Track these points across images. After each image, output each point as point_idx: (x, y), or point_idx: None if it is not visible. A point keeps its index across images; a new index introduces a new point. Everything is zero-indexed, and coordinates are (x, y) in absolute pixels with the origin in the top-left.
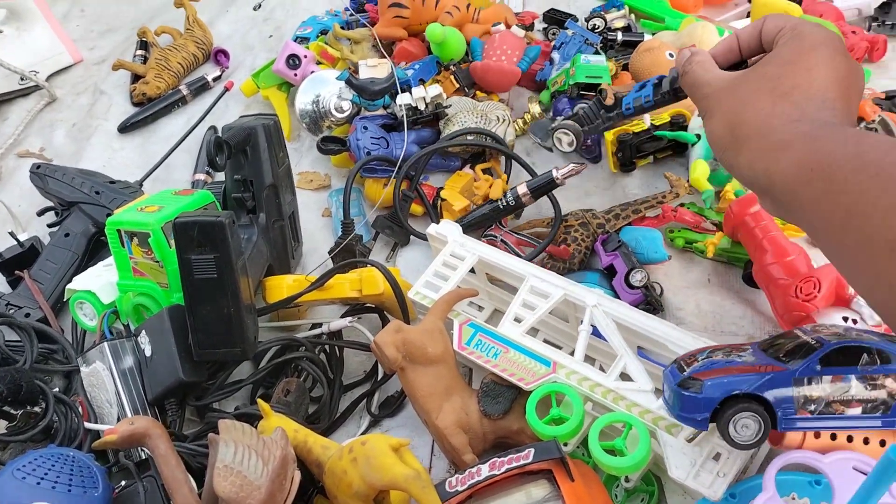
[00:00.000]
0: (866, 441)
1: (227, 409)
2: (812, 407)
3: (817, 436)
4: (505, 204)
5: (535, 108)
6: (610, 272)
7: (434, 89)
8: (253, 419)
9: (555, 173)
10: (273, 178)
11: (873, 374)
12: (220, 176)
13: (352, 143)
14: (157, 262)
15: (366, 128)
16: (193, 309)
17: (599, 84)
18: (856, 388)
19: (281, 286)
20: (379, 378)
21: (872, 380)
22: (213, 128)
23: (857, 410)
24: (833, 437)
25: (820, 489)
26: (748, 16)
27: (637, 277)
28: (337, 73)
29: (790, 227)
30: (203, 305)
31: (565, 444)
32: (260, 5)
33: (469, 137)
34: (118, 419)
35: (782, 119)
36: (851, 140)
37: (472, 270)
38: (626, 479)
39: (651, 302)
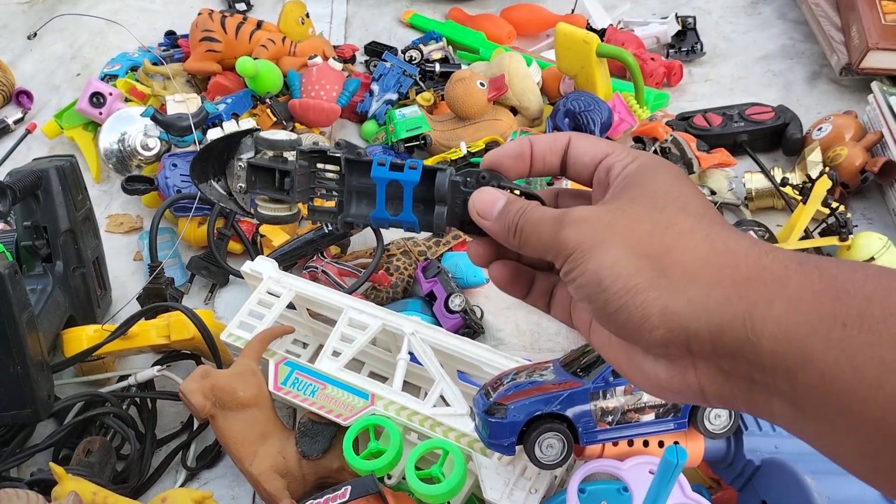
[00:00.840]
0: (661, 444)
1: (25, 475)
2: (610, 418)
3: (616, 444)
4: (329, 230)
5: None
6: (430, 298)
7: (247, 123)
8: (51, 483)
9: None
10: (70, 222)
11: None
12: None
13: (160, 182)
14: None
15: (175, 165)
16: None
17: (421, 133)
18: (647, 395)
19: (80, 338)
20: (195, 428)
21: None
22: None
23: (650, 416)
24: (630, 443)
25: (628, 495)
26: None
27: (456, 302)
28: (143, 109)
29: None
30: None
31: (388, 478)
32: (35, 34)
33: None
34: None
35: (741, 244)
36: (858, 267)
37: (293, 307)
38: None
39: (471, 325)
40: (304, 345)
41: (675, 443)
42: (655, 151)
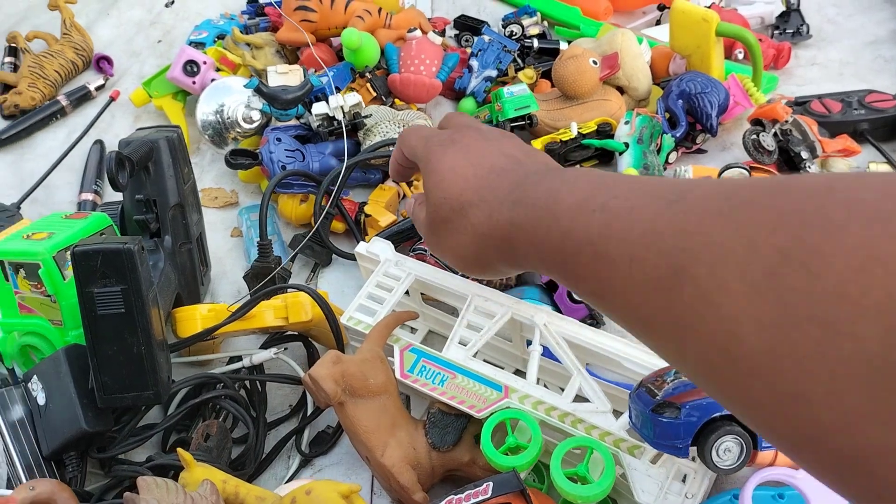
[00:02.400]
0: None
1: (137, 459)
2: None
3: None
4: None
5: None
6: (550, 286)
7: (353, 98)
8: (169, 470)
9: None
10: (179, 196)
11: None
12: (110, 195)
13: (264, 157)
14: (49, 296)
15: (279, 139)
16: (97, 349)
17: (528, 113)
18: None
19: (194, 317)
20: (308, 413)
21: None
22: (100, 142)
23: None
24: None
25: (783, 502)
26: (658, 23)
27: None
28: (242, 80)
29: None
30: (109, 344)
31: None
32: (172, 2)
33: (392, 148)
34: (8, 480)
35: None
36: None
37: (406, 291)
38: None
39: (595, 315)
40: (413, 330)
41: None
42: (776, 134)
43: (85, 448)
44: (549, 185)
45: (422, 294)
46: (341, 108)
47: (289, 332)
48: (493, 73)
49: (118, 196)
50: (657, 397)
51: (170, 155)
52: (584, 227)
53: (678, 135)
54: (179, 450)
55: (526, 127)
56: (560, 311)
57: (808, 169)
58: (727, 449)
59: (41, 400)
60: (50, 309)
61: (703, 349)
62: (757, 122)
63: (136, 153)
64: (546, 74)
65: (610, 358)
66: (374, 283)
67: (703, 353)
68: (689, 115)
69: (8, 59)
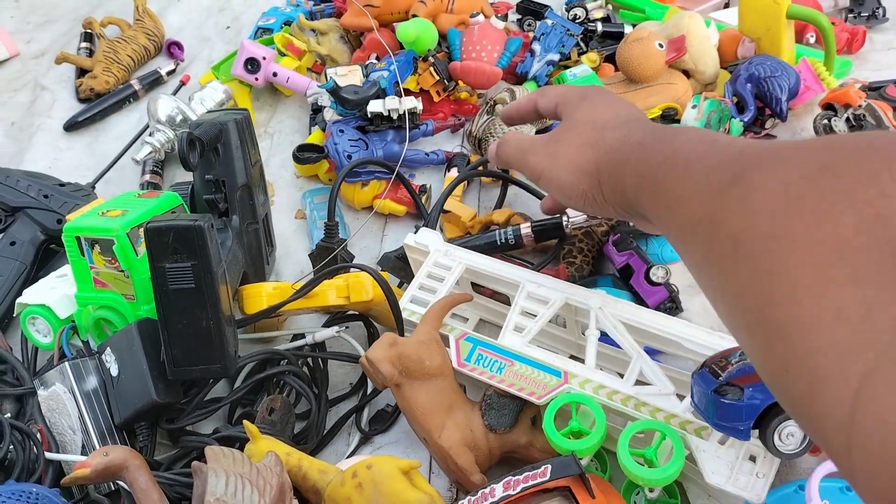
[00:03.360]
0: None
1: (205, 431)
2: None
3: None
4: (503, 241)
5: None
6: (625, 273)
7: (409, 101)
8: (235, 442)
9: (564, 221)
10: (246, 177)
11: None
12: (169, 178)
13: (330, 149)
14: (122, 271)
15: (342, 131)
16: (168, 322)
17: None
18: None
19: (260, 294)
20: (368, 392)
21: None
22: None
23: None
24: None
25: (851, 495)
26: (726, 6)
27: (659, 274)
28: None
29: None
30: (179, 318)
31: (581, 459)
32: None
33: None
34: (83, 447)
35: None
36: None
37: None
38: (650, 490)
39: (675, 299)
40: (464, 319)
41: None
42: (848, 119)
43: (155, 419)
44: (674, 135)
45: (472, 284)
46: (396, 109)
47: (350, 312)
48: (556, 57)
49: (190, 176)
50: (720, 378)
51: (238, 136)
52: (686, 152)
53: (746, 119)
54: (246, 422)
55: None
56: (636, 298)
57: None
58: (790, 434)
59: (114, 371)
60: (123, 284)
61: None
62: (829, 106)
63: (207, 134)
64: (610, 58)
65: (670, 339)
66: (424, 273)
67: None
68: (757, 100)
69: (84, 45)
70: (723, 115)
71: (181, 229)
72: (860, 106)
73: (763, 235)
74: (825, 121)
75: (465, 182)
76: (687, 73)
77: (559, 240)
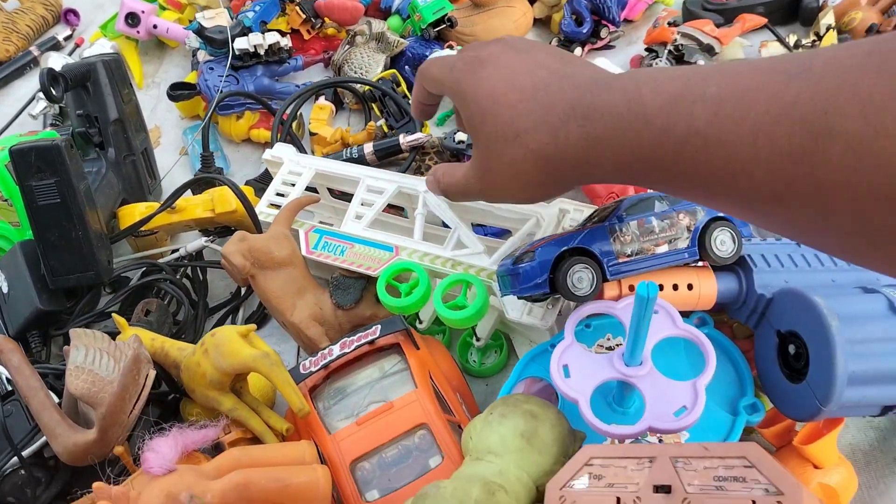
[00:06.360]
0: (675, 287)
1: None
2: (629, 250)
3: (632, 289)
4: (349, 156)
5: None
6: None
7: (272, 37)
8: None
9: (401, 140)
10: (119, 113)
11: (668, 213)
12: None
13: (201, 85)
14: (6, 200)
15: (211, 68)
16: (42, 236)
17: (446, 14)
18: (658, 226)
19: (133, 213)
20: (242, 293)
21: (669, 218)
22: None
23: (664, 248)
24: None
25: (589, 331)
26: None
27: None
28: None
29: None
30: (50, 231)
31: (420, 322)
32: None
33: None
34: None
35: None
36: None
37: (316, 191)
38: (477, 339)
39: None
40: (329, 226)
41: (689, 285)
42: (669, 52)
43: (45, 328)
44: (622, 90)
45: (329, 190)
46: (261, 45)
47: (223, 226)
48: None
49: None
50: (516, 255)
51: (107, 75)
52: (687, 121)
53: (585, 31)
54: (114, 315)
55: (449, 27)
56: None
57: None
58: (580, 278)
59: (5, 289)
60: (8, 212)
61: (857, 205)
62: (649, 49)
63: (71, 72)
64: None
65: (484, 211)
66: (279, 180)
67: (858, 209)
68: (594, 15)
69: None
70: None
71: (41, 149)
72: (675, 40)
73: None
74: (650, 63)
75: (334, 108)
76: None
77: (414, 157)
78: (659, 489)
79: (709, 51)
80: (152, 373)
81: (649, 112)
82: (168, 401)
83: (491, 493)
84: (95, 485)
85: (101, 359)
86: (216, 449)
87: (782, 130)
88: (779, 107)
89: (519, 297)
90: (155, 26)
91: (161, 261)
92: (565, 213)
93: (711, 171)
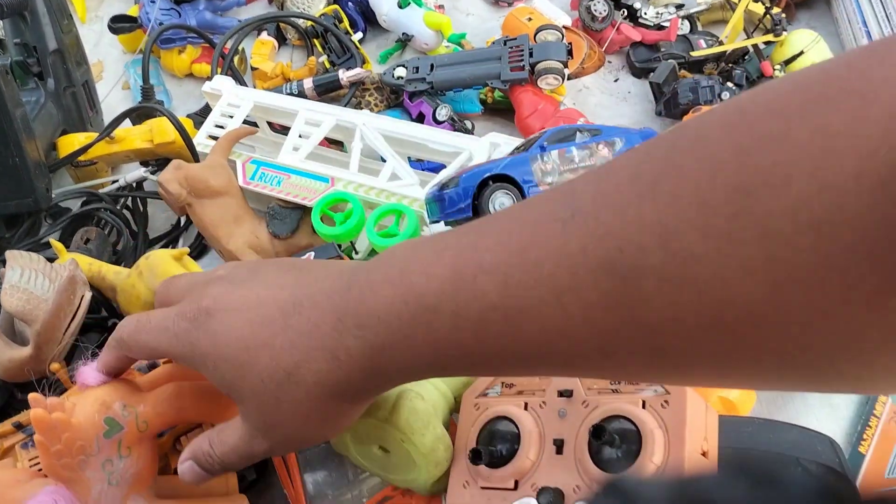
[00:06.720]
0: None
1: None
2: (549, 179)
3: None
4: (289, 92)
5: None
6: (420, 120)
7: None
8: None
9: (341, 75)
10: (58, 43)
11: (588, 143)
12: None
13: (142, 18)
14: None
15: (153, 1)
16: None
17: None
18: (578, 156)
19: (73, 143)
20: (182, 225)
21: (588, 149)
22: None
23: None
24: None
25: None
26: None
27: (442, 112)
28: None
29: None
30: None
31: (356, 253)
32: None
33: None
34: None
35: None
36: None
37: (256, 125)
38: None
39: (461, 129)
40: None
41: None
42: None
43: None
44: (388, 284)
45: (269, 125)
46: None
47: (167, 157)
48: None
49: None
50: (441, 182)
51: (45, 4)
52: (477, 297)
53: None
54: (52, 240)
55: None
56: None
57: (644, 16)
58: (501, 204)
59: None
60: None
61: (692, 338)
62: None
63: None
64: None
65: (420, 143)
66: (218, 112)
67: (694, 341)
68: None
69: None
70: None
71: None
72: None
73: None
74: (586, 5)
75: (276, 43)
76: None
77: (353, 92)
78: (562, 394)
79: None
80: (88, 294)
81: (430, 301)
82: (109, 326)
83: (408, 399)
84: (31, 395)
85: (36, 278)
86: (150, 368)
87: (585, 282)
88: (568, 259)
89: (446, 224)
90: None
91: (102, 191)
92: (496, 146)
93: (523, 342)
